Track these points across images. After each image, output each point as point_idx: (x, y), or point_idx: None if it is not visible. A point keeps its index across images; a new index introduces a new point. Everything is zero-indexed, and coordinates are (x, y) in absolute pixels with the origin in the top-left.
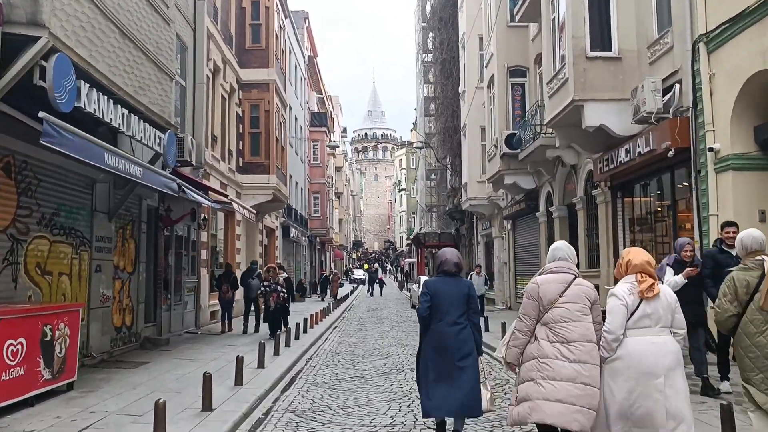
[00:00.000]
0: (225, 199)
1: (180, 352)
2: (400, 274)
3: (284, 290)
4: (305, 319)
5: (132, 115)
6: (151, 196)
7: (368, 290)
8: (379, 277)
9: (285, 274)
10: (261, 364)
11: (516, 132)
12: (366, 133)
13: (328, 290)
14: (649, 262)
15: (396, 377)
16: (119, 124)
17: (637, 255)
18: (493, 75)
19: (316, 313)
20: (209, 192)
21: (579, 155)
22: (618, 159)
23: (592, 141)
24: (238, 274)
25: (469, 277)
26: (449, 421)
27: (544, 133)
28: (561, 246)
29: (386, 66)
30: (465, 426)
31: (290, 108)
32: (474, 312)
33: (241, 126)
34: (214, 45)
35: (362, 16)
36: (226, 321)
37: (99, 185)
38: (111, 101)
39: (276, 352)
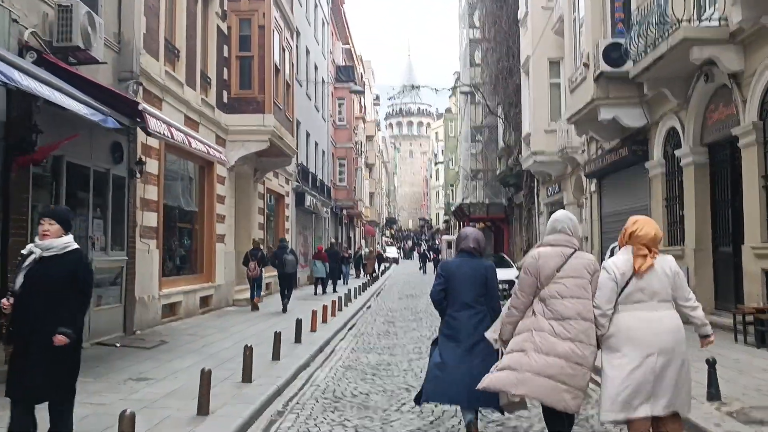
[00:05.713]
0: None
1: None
2: (431, 253)
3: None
4: (299, 321)
5: None
6: None
7: (420, 267)
8: (434, 256)
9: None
10: None
11: (620, 41)
12: (401, 108)
13: (362, 269)
14: (655, 237)
15: None
16: None
17: (643, 226)
18: None
19: (326, 306)
20: (145, 115)
21: (755, 54)
22: None
23: None
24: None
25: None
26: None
27: (688, 20)
28: (561, 217)
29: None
30: None
31: (308, 51)
32: (492, 297)
33: (226, 47)
34: None
35: None
36: (253, 298)
37: None
38: None
39: (201, 412)
